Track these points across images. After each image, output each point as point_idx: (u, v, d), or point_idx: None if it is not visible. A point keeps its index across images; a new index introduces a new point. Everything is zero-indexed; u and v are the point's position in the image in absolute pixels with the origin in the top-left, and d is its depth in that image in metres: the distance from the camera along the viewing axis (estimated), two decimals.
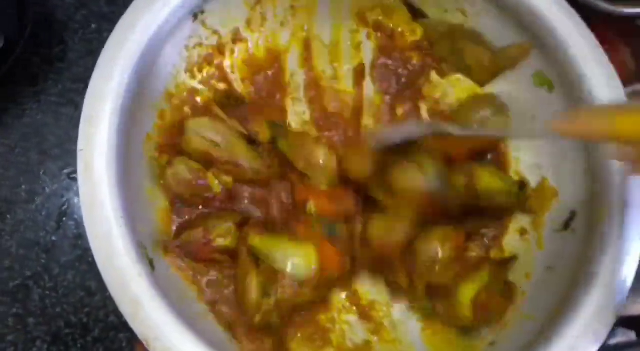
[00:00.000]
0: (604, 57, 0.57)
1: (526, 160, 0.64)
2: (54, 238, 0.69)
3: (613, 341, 0.60)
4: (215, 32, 0.63)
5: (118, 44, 0.54)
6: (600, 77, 0.56)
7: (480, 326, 0.59)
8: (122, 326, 0.68)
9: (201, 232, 0.57)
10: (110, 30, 0.55)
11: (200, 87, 0.63)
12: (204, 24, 0.61)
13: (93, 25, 0.75)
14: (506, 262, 0.62)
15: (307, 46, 0.66)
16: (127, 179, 0.52)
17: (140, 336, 0.48)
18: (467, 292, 0.57)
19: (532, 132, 0.52)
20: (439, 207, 0.57)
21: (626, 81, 0.58)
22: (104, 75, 0.53)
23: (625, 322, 0.60)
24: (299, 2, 0.65)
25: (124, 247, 0.49)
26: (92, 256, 0.50)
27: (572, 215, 0.59)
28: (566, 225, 0.60)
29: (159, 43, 0.57)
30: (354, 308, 0.61)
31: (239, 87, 0.65)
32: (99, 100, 0.52)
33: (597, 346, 0.51)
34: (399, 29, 0.66)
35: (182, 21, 0.58)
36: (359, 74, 0.67)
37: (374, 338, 0.60)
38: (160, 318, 0.48)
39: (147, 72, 0.56)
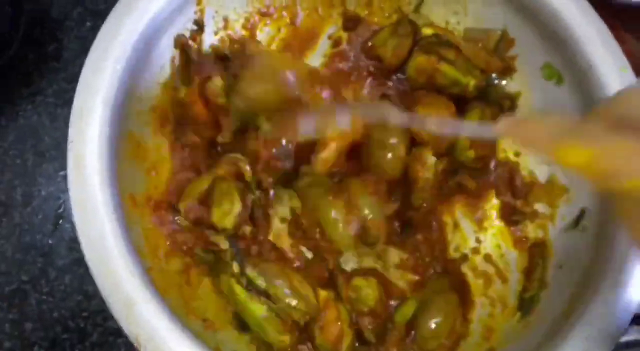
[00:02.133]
0: (615, 47, 0.55)
1: (535, 156, 0.62)
2: (50, 241, 0.68)
3: (625, 339, 0.58)
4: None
5: (110, 34, 0.52)
6: (610, 67, 0.54)
7: None
8: (121, 330, 0.66)
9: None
10: None
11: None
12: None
13: (88, 23, 0.74)
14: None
15: None
16: (120, 174, 0.50)
17: (131, 338, 0.46)
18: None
19: (479, 130, 0.49)
20: None
21: (635, 72, 0.56)
22: (95, 66, 0.51)
23: (638, 319, 0.58)
24: None
25: (116, 246, 0.47)
26: None
27: (582, 213, 0.57)
28: (576, 223, 0.57)
29: (154, 33, 0.55)
30: None
31: None
32: (90, 91, 0.50)
33: (611, 348, 0.49)
34: None
35: (179, 10, 0.56)
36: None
37: None
38: (154, 319, 0.46)
39: (141, 63, 0.54)
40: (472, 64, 0.59)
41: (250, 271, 0.54)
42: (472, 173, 0.62)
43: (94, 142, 0.48)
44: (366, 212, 0.56)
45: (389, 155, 0.57)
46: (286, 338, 0.53)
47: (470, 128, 0.53)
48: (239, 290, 0.53)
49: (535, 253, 0.60)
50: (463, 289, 0.59)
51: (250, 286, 0.54)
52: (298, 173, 0.59)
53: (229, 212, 0.57)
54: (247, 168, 0.58)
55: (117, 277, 0.47)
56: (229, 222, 0.57)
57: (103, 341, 0.66)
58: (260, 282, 0.54)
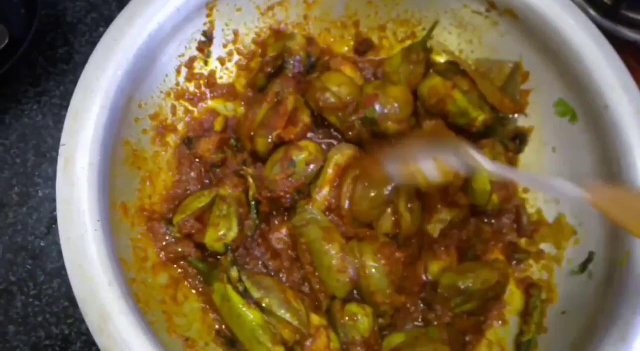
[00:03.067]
0: (633, 89, 0.53)
1: (544, 193, 0.60)
2: (42, 243, 0.67)
3: None
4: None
5: (115, 38, 0.51)
6: (627, 109, 0.52)
7: None
8: None
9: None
10: None
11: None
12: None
13: (101, 29, 0.74)
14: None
15: None
16: (113, 181, 0.49)
17: None
18: None
19: (566, 190, 0.45)
20: None
21: None
22: (96, 69, 0.50)
23: None
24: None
25: (97, 252, 0.46)
26: None
27: (591, 257, 0.54)
28: (584, 268, 0.55)
29: (161, 41, 0.54)
30: None
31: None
32: (89, 94, 0.49)
33: None
34: None
35: (188, 20, 0.56)
36: None
37: None
38: (129, 334, 0.44)
39: (144, 70, 0.53)
40: (484, 100, 0.58)
41: (245, 281, 0.52)
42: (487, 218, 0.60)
43: (87, 147, 0.47)
44: (375, 280, 0.54)
45: (406, 219, 0.56)
46: (281, 349, 0.51)
47: (556, 186, 0.47)
48: (235, 297, 0.51)
49: (534, 295, 0.57)
50: (464, 348, 0.57)
51: (246, 294, 0.52)
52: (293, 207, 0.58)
53: (223, 236, 0.55)
54: (253, 184, 0.56)
55: (94, 284, 0.45)
56: (219, 247, 0.56)
57: None
58: (255, 293, 0.52)
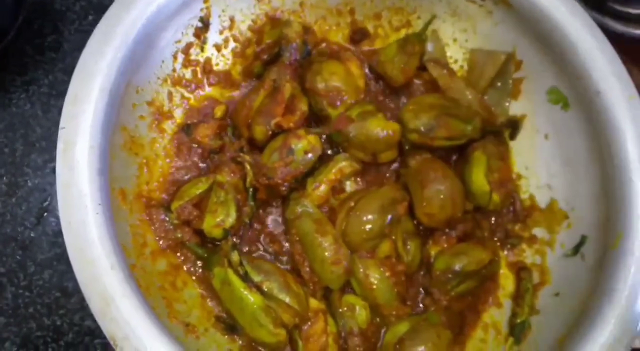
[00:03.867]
0: (625, 75, 0.54)
1: (536, 180, 0.61)
2: (32, 234, 0.65)
3: None
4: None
5: (114, 21, 0.50)
6: (619, 94, 0.53)
7: None
8: (99, 331, 0.63)
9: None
10: None
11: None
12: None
13: (90, 17, 0.72)
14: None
15: None
16: (112, 167, 0.49)
17: (107, 335, 0.44)
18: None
19: None
20: None
21: None
22: (95, 52, 0.49)
23: None
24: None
25: (98, 237, 0.45)
26: None
27: (583, 240, 0.56)
28: (576, 250, 0.56)
29: (159, 25, 0.53)
30: None
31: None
32: (87, 78, 0.49)
33: None
34: None
35: (185, 5, 0.55)
36: None
37: None
38: (132, 316, 0.44)
39: (142, 54, 0.53)
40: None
41: (246, 264, 0.52)
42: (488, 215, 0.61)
43: (87, 130, 0.47)
44: (381, 293, 0.55)
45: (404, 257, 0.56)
46: (282, 332, 0.51)
47: None
48: (235, 280, 0.51)
49: (524, 278, 0.58)
50: (461, 330, 0.57)
51: (247, 278, 0.51)
52: (287, 197, 0.58)
53: (221, 222, 0.55)
54: (251, 170, 0.56)
55: (96, 268, 0.45)
56: (218, 233, 0.55)
57: (78, 342, 0.63)
58: (255, 276, 0.52)
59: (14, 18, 0.65)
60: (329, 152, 0.60)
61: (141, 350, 0.43)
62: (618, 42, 0.57)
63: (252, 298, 0.50)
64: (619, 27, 0.67)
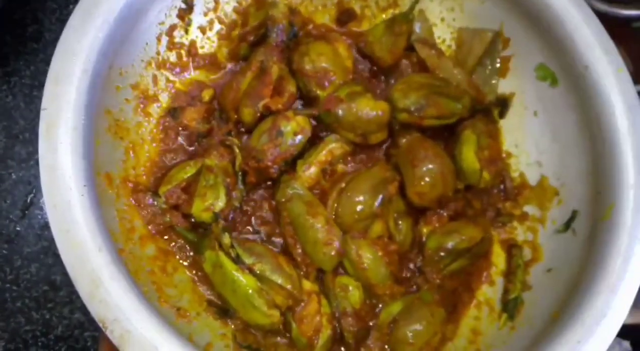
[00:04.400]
0: (613, 49, 0.54)
1: (526, 157, 0.61)
2: (18, 227, 0.64)
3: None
4: None
5: (94, 0, 0.49)
6: (607, 68, 0.53)
7: None
8: (89, 323, 0.63)
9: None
10: None
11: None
12: None
13: (71, 6, 0.71)
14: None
15: None
16: (97, 151, 0.47)
17: (96, 318, 0.43)
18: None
19: None
20: None
21: None
22: (76, 31, 0.48)
23: (619, 331, 0.56)
24: None
25: (84, 218, 0.44)
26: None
27: (574, 215, 0.56)
28: (567, 226, 0.56)
29: (142, 5, 0.52)
30: None
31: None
32: (69, 57, 0.47)
33: None
34: None
35: None
36: None
37: None
38: (122, 298, 0.43)
39: (125, 35, 0.52)
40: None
41: (237, 247, 0.51)
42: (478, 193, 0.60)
43: (69, 110, 0.46)
44: (374, 273, 0.54)
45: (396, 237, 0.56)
46: (276, 313, 0.50)
47: None
48: (227, 263, 0.50)
49: (515, 254, 0.58)
50: (455, 308, 0.57)
51: (239, 260, 0.51)
52: (278, 180, 0.57)
53: (211, 206, 0.54)
54: (239, 154, 0.55)
55: (83, 250, 0.43)
56: (207, 217, 0.54)
57: (68, 335, 0.62)
58: (247, 259, 0.51)
59: None
60: (322, 134, 0.59)
61: (132, 332, 0.42)
62: (603, 22, 0.57)
63: (244, 280, 0.49)
64: (601, 6, 0.67)
